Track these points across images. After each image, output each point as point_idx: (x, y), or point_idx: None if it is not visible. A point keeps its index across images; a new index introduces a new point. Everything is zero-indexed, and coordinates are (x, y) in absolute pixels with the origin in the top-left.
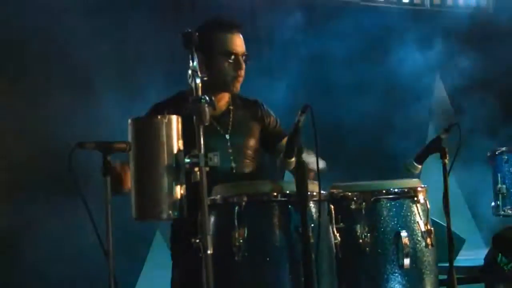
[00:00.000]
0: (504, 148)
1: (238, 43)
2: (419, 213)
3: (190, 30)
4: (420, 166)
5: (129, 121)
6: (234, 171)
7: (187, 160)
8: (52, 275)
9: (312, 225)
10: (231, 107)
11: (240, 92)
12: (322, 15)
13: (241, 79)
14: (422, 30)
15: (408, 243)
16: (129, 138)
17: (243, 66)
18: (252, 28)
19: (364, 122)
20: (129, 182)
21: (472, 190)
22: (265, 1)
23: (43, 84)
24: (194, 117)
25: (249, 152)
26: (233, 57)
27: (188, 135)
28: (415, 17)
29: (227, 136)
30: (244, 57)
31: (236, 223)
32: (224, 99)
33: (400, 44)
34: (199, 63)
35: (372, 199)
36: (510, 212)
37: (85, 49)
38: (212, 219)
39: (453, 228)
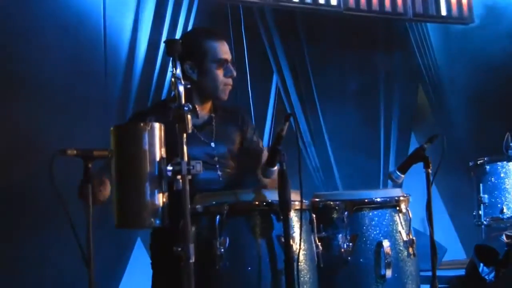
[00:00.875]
0: (486, 158)
1: (227, 50)
2: (401, 222)
3: (173, 38)
4: (403, 176)
5: (111, 128)
6: (220, 179)
7: (169, 168)
8: (31, 283)
9: (294, 234)
10: (212, 115)
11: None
12: (304, 24)
13: (230, 87)
14: (404, 40)
15: (390, 253)
16: (111, 145)
17: (235, 73)
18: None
19: (346, 129)
20: (107, 193)
21: (453, 199)
22: (246, 9)
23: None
24: (177, 125)
25: (231, 162)
26: (224, 64)
27: (171, 143)
28: (397, 26)
29: (213, 145)
30: (232, 64)
31: (217, 232)
32: (206, 107)
33: (380, 53)
34: (189, 70)
35: (354, 209)
36: (491, 221)
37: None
38: (194, 227)
39: (434, 237)
